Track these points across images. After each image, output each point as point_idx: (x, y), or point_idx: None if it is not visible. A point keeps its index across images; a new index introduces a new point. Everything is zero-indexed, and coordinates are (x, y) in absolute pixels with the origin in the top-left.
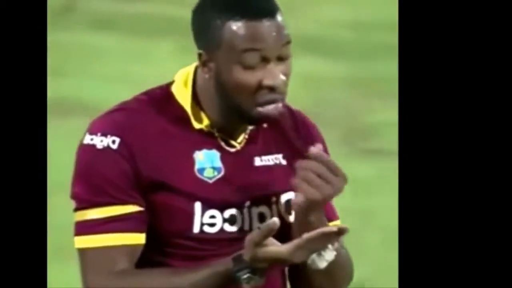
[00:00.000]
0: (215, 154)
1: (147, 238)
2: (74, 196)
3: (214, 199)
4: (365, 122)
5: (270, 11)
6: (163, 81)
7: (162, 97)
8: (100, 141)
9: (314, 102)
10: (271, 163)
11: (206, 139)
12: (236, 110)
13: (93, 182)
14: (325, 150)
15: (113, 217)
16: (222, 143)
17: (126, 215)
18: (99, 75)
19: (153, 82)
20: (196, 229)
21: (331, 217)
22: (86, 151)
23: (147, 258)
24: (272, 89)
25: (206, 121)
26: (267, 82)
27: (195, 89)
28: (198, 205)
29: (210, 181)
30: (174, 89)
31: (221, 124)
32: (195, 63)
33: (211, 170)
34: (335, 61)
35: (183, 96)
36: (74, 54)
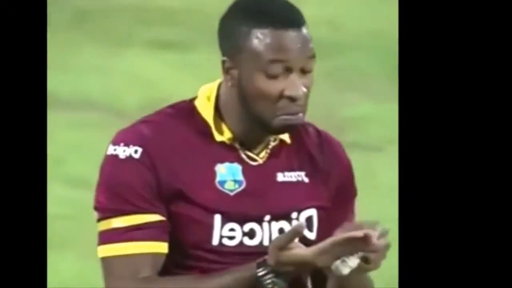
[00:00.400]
0: (237, 167)
1: (168, 250)
2: (97, 207)
3: (234, 212)
4: (340, 116)
5: (296, 22)
6: (138, 75)
7: (185, 110)
8: (122, 151)
9: None
10: (293, 179)
11: (228, 152)
12: (257, 118)
13: (116, 191)
14: (349, 162)
15: (136, 225)
16: (244, 156)
17: (149, 224)
18: (74, 69)
19: (128, 75)
20: (215, 241)
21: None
22: (109, 161)
23: (167, 270)
24: (293, 100)
25: (228, 134)
26: (289, 92)
27: (218, 104)
28: (218, 218)
29: (231, 194)
30: (198, 103)
31: (243, 136)
32: (218, 80)
33: (232, 183)
34: None
35: (206, 109)
36: (50, 48)
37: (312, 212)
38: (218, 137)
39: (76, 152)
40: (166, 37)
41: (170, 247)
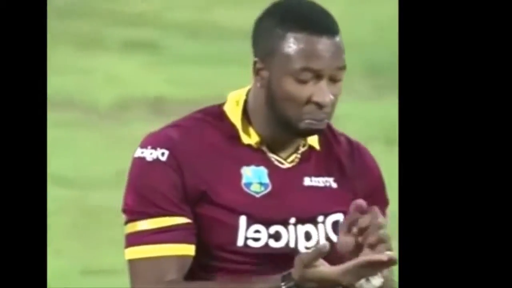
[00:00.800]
0: (263, 170)
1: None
2: (125, 209)
3: (259, 214)
4: None
5: (331, 30)
6: (113, 75)
7: (214, 114)
8: (150, 154)
9: None
10: (321, 184)
11: (255, 155)
12: (283, 120)
13: (143, 194)
14: (379, 172)
15: (163, 228)
16: (271, 160)
17: (175, 226)
18: (52, 69)
19: (103, 75)
20: (240, 242)
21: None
22: (136, 164)
23: (191, 271)
24: (320, 106)
25: (255, 138)
26: (317, 99)
27: (246, 108)
28: (243, 219)
29: (257, 196)
30: (226, 107)
31: (270, 140)
32: (248, 86)
33: (258, 185)
34: None
35: (234, 113)
36: None
37: (339, 216)
38: (245, 140)
39: (54, 149)
40: (139, 38)
41: (195, 249)
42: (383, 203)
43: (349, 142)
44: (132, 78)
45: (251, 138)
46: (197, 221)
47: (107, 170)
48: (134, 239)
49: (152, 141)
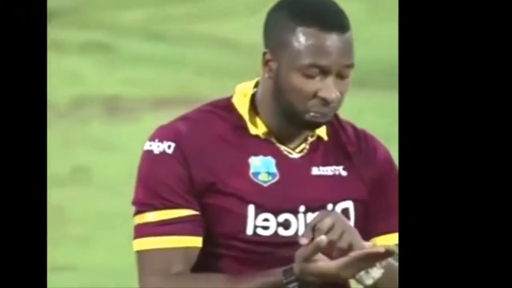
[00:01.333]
0: (271, 160)
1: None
2: (134, 201)
3: (267, 203)
4: None
5: (341, 26)
6: (70, 73)
7: (222, 107)
8: (157, 147)
9: None
10: (329, 173)
11: (263, 146)
12: (289, 112)
13: (150, 186)
14: (386, 155)
15: (169, 220)
16: (279, 150)
17: (181, 219)
18: None
19: (61, 74)
20: (249, 231)
21: (386, 229)
22: (144, 157)
23: (201, 261)
24: (326, 102)
25: (263, 128)
26: (323, 94)
27: (254, 99)
28: (251, 208)
29: (264, 185)
30: (234, 99)
31: (277, 131)
32: (257, 78)
33: (266, 175)
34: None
35: (241, 104)
36: None
37: (349, 204)
38: (253, 130)
39: None
40: (95, 39)
41: (204, 239)
42: (395, 187)
43: (355, 130)
44: (88, 77)
45: (258, 128)
46: (206, 211)
47: (63, 167)
48: (141, 231)
49: (159, 134)
